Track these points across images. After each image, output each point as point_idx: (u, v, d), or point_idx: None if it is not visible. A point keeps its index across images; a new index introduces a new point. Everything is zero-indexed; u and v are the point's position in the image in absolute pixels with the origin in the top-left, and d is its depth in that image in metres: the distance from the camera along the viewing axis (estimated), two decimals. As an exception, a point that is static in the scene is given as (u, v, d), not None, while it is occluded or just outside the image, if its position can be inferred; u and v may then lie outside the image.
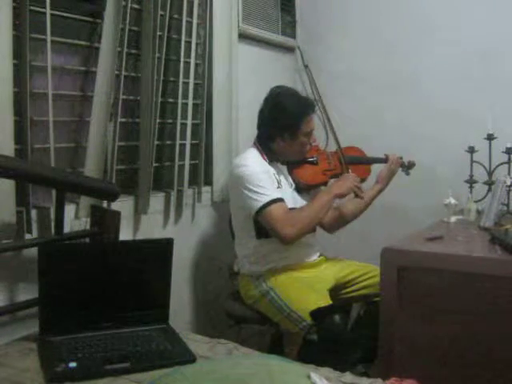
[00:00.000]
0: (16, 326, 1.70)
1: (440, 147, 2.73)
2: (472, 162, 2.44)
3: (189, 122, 2.33)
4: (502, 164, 2.38)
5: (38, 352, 1.51)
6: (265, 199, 1.96)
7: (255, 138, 2.19)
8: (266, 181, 2.02)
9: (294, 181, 2.23)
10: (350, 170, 2.26)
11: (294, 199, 2.17)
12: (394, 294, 1.84)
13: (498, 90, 2.59)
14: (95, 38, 1.98)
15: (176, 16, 2.28)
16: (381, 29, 2.92)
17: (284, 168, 2.22)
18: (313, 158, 2.27)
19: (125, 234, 1.98)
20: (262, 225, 2.02)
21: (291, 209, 2.07)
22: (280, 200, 1.99)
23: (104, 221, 1.84)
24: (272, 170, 2.12)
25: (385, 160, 2.38)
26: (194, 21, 2.32)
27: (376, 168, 2.40)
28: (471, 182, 2.45)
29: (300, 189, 2.23)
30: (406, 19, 2.85)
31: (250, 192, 1.99)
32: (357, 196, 2.11)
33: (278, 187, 2.09)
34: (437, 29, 2.76)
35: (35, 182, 1.69)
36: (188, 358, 1.48)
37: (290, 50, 3.10)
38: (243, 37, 2.67)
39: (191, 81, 2.33)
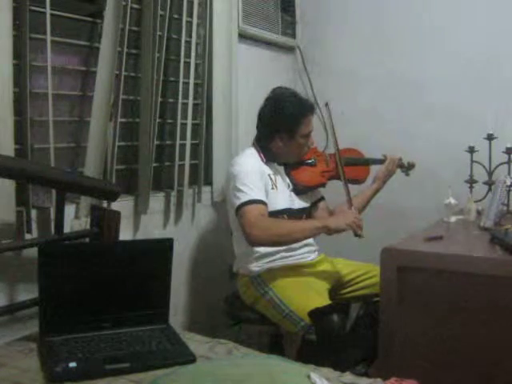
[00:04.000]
0: (16, 326, 1.70)
1: (440, 147, 2.73)
2: (472, 161, 2.44)
3: (189, 122, 2.33)
4: (502, 164, 2.38)
5: (37, 352, 1.51)
6: (245, 198, 1.96)
7: (254, 138, 2.19)
8: (253, 181, 2.01)
9: (291, 182, 2.23)
10: (344, 172, 2.26)
11: (291, 200, 2.17)
12: (394, 294, 1.84)
13: (498, 90, 2.60)
14: (95, 38, 1.98)
15: (176, 16, 2.28)
16: (381, 29, 2.92)
17: (281, 168, 2.22)
18: (311, 159, 2.27)
19: (125, 234, 1.98)
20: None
21: (285, 211, 2.08)
22: (260, 202, 1.97)
23: (104, 221, 1.84)
24: (268, 171, 2.12)
25: (383, 161, 2.38)
26: (194, 21, 2.32)
27: (375, 169, 2.40)
28: (471, 182, 2.45)
29: (298, 190, 2.22)
30: (407, 19, 2.85)
31: (235, 190, 2.00)
32: (356, 235, 2.00)
33: (273, 188, 2.09)
34: (437, 29, 2.76)
35: (35, 181, 1.68)
36: (188, 358, 1.47)
37: (289, 49, 3.10)
38: (243, 37, 2.67)
39: (191, 81, 2.33)
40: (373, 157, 2.44)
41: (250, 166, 2.06)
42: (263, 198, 2.00)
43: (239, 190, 1.98)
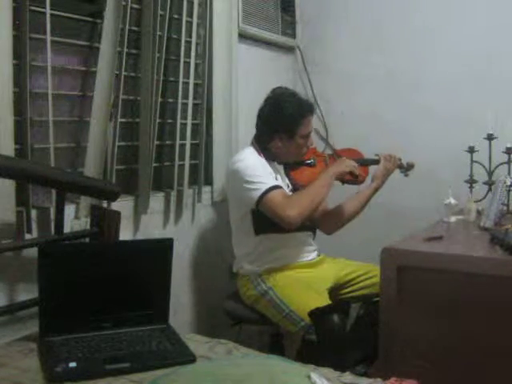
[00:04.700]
0: (16, 326, 1.70)
1: (440, 147, 2.73)
2: (472, 161, 2.43)
3: (189, 121, 2.33)
4: (502, 164, 2.38)
5: (38, 352, 1.51)
6: (264, 187, 1.97)
7: (253, 138, 2.19)
8: (263, 172, 2.04)
9: (290, 182, 2.23)
10: None
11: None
12: (394, 294, 1.84)
13: (498, 90, 2.60)
14: (95, 38, 1.98)
15: (176, 16, 2.28)
16: (381, 29, 2.92)
17: (281, 168, 2.22)
18: (310, 160, 2.27)
19: (125, 234, 1.98)
20: (264, 215, 2.00)
21: None
22: (278, 187, 2.00)
23: (104, 221, 1.84)
24: (269, 169, 2.12)
25: (378, 160, 2.37)
26: (194, 21, 2.32)
27: (375, 169, 2.40)
28: (471, 181, 2.45)
29: (297, 190, 2.23)
30: (407, 19, 2.85)
31: (248, 184, 2.00)
32: (355, 177, 2.12)
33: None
34: (437, 30, 2.76)
35: (35, 181, 1.68)
36: (188, 358, 1.47)
37: (289, 49, 3.10)
38: (243, 37, 2.67)
39: (191, 81, 2.33)
40: (372, 157, 2.44)
41: (252, 160, 2.07)
42: (278, 183, 2.03)
43: (253, 183, 1.99)
